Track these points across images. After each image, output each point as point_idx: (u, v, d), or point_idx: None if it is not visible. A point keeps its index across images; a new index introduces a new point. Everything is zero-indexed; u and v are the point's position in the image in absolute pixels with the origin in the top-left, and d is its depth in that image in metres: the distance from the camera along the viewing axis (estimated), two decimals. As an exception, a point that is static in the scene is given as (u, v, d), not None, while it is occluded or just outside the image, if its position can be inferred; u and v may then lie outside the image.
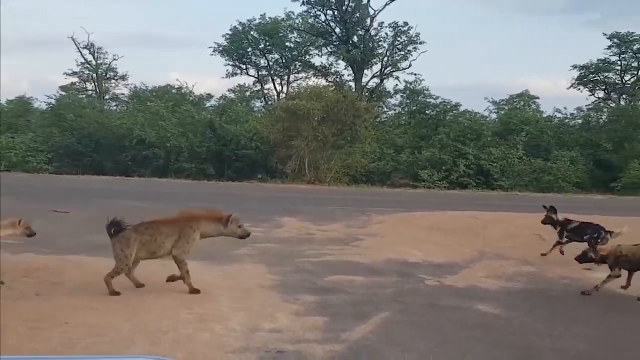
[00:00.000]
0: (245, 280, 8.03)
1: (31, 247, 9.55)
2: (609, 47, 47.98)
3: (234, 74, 52.28)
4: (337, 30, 47.97)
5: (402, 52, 48.12)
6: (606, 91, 50.39)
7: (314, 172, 33.38)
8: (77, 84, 55.00)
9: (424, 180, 34.31)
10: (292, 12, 49.81)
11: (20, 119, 41.62)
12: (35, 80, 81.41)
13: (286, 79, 52.64)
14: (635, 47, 47.70)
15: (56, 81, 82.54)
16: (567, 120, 45.28)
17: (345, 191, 28.75)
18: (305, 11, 48.20)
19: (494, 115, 49.02)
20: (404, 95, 48.16)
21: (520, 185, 34.16)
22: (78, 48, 52.32)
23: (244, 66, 52.22)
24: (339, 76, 49.78)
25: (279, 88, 52.95)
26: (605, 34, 48.17)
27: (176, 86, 49.22)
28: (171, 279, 7.76)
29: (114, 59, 53.92)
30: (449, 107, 44.16)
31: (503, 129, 39.97)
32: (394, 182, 35.24)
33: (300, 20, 49.76)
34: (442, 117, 43.06)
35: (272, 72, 52.29)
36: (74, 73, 54.07)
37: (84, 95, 53.03)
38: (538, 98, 53.00)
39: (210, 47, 51.05)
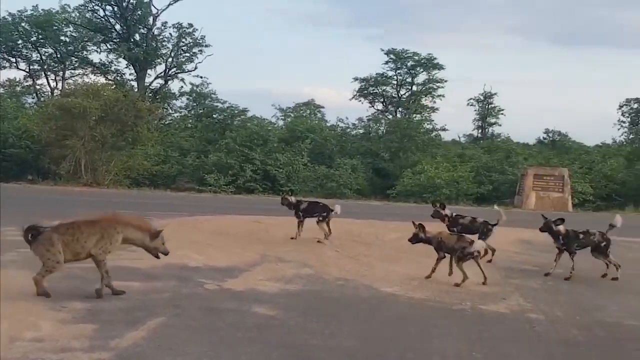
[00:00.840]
0: (8, 287, 7.29)
1: None
2: (387, 62, 51.49)
3: (2, 67, 48.60)
4: (118, 27, 46.46)
5: (188, 54, 47.85)
6: (384, 103, 54.01)
7: (91, 174, 31.76)
8: None
9: (210, 184, 34.17)
10: (68, 5, 47.61)
11: None
12: None
13: (61, 75, 49.80)
14: (409, 64, 51.59)
15: None
16: (349, 130, 47.92)
17: (126, 194, 27.64)
18: (82, 5, 46.22)
19: (281, 122, 50.49)
20: (190, 97, 47.83)
21: (305, 190, 35.26)
22: None
23: (13, 59, 48.57)
24: (119, 74, 48.25)
25: (53, 84, 50.07)
26: (382, 50, 51.63)
27: None
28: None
29: None
30: (236, 112, 44.60)
31: (289, 136, 41.14)
32: (179, 186, 34.77)
33: (77, 14, 47.33)
34: (230, 121, 43.37)
35: (45, 67, 49.16)
36: None
37: None
38: (323, 107, 55.65)
39: (-25, 38, 46.68)
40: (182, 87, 48.00)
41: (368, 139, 45.60)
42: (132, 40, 45.93)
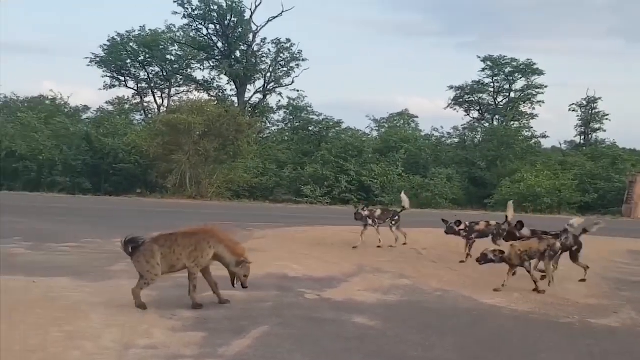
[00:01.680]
0: (121, 296, 7.75)
1: None
2: (483, 70, 50.60)
3: (112, 86, 51.04)
4: (220, 44, 47.83)
5: (285, 69, 48.69)
6: (480, 112, 53.01)
7: (195, 187, 32.96)
8: (-59, 92, 51.63)
9: (307, 195, 34.68)
10: (174, 25, 49.38)
11: None
12: None
13: (167, 93, 51.91)
14: (507, 70, 50.48)
15: None
16: (444, 139, 47.43)
17: (227, 206, 28.51)
18: (187, 24, 47.89)
19: (375, 133, 50.56)
20: (287, 111, 48.68)
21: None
22: (-57, 55, 49.27)
23: (122, 78, 51.02)
24: (221, 91, 49.69)
25: (159, 101, 52.22)
26: (479, 57, 50.76)
27: (50, 97, 47.25)
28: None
29: (-17, 68, 51.23)
30: (331, 124, 45.07)
31: (384, 147, 41.16)
32: (277, 198, 35.39)
33: (182, 34, 49.25)
34: (325, 133, 43.87)
35: (152, 85, 51.36)
36: (-61, 81, 50.79)
37: (-52, 105, 49.89)
38: (417, 117, 55.33)
39: (87, 58, 49.45)
40: (279, 101, 49.02)
41: (464, 148, 44.98)
42: (233, 57, 47.29)
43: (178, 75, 51.46)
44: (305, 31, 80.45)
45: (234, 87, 48.27)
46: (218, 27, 47.17)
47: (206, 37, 48.18)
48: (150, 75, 51.23)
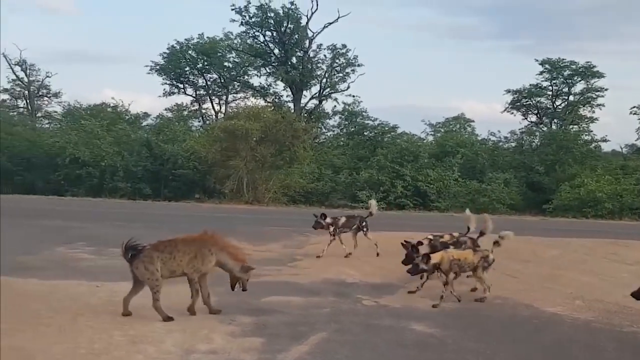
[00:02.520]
0: (181, 301, 7.89)
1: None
2: (541, 73, 49.58)
3: (171, 93, 51.89)
4: (276, 51, 48.17)
5: (341, 74, 48.60)
6: (538, 115, 51.91)
7: (252, 192, 33.25)
8: (8, 101, 53.67)
9: (362, 201, 34.49)
10: (231, 32, 49.85)
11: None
12: (-36, 96, 78.96)
13: (224, 99, 52.54)
14: (565, 73, 49.37)
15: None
16: (501, 143, 46.52)
17: (284, 211, 28.69)
18: (244, 32, 48.30)
19: (430, 138, 50.09)
20: (343, 116, 48.60)
21: (456, 206, 34.69)
22: (9, 64, 51.10)
23: (181, 85, 51.85)
24: (277, 97, 49.91)
25: (217, 108, 52.84)
26: (537, 60, 49.78)
27: (112, 104, 48.36)
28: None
29: (47, 76, 52.92)
30: (386, 128, 44.84)
31: (439, 151, 40.74)
32: (333, 203, 35.37)
33: (239, 41, 49.76)
34: (380, 138, 43.67)
35: (210, 91, 52.09)
36: (5, 90, 52.74)
37: (15, 113, 51.74)
38: (473, 121, 54.61)
39: (147, 66, 50.49)
40: (335, 106, 48.93)
41: (521, 152, 44.08)
42: (289, 63, 47.55)
43: (235, 82, 52.05)
44: (361, 36, 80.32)
45: (290, 93, 48.53)
46: (275, 34, 47.52)
47: (263, 44, 48.59)
48: (208, 82, 51.97)
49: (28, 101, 53.48)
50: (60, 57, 77.41)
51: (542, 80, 50.15)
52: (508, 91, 50.95)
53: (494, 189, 36.00)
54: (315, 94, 48.87)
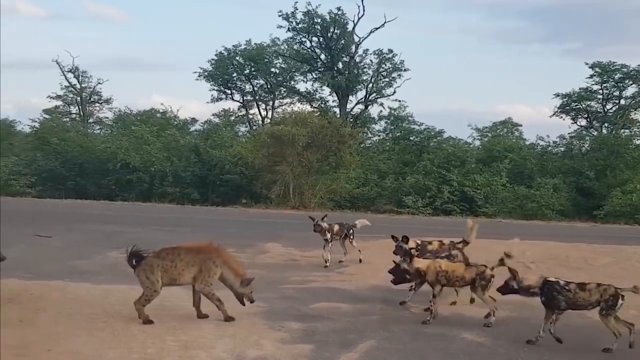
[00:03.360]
0: (231, 307, 7.98)
1: (14, 272, 9.47)
2: (591, 76, 48.59)
3: (219, 99, 52.54)
4: (322, 56, 48.34)
5: (387, 79, 48.54)
6: (588, 119, 50.90)
7: (298, 198, 33.42)
8: (61, 107, 55.08)
9: (409, 206, 34.40)
10: (278, 38, 50.29)
11: (3, 142, 41.19)
12: (19, 103, 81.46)
13: (271, 105, 53.00)
14: (617, 77, 48.30)
15: (40, 104, 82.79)
16: (549, 148, 45.74)
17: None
18: (291, 37, 48.65)
19: (477, 142, 49.55)
20: (388, 121, 48.52)
21: (504, 212, 34.27)
22: (62, 71, 52.46)
23: (229, 91, 52.44)
24: (323, 102, 50.10)
25: (263, 113, 53.32)
26: (587, 63, 48.82)
27: (161, 110, 49.28)
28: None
29: (99, 83, 54.21)
30: (432, 133, 44.56)
31: (487, 156, 40.26)
32: (378, 208, 35.27)
33: (286, 47, 50.12)
34: (426, 143, 43.42)
35: (257, 97, 52.56)
36: (58, 96, 54.20)
37: (67, 119, 53.08)
38: (521, 125, 53.86)
39: (195, 72, 51.24)
40: (381, 111, 48.91)
41: (571, 157, 43.22)
42: (335, 68, 47.68)
43: (282, 88, 52.43)
44: (407, 41, 79.91)
45: (336, 98, 48.62)
46: (321, 39, 47.70)
47: (309, 50, 48.82)
48: (255, 88, 52.44)
49: (80, 107, 54.80)
50: (111, 64, 79.33)
51: (592, 84, 49.18)
52: (557, 95, 50.12)
53: (543, 195, 35.41)
54: (361, 99, 48.91)
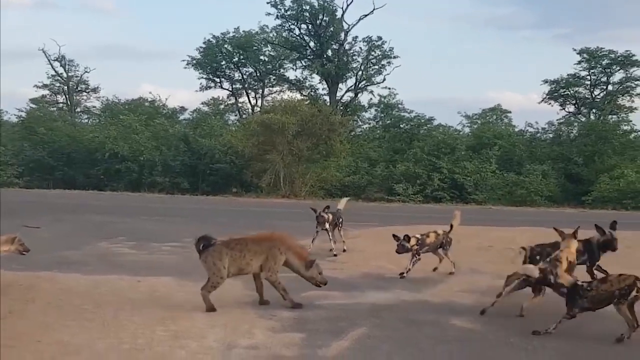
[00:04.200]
0: (222, 296, 7.95)
1: (2, 263, 9.39)
2: (579, 62, 48.76)
3: (207, 87, 52.31)
4: (312, 44, 48.20)
5: (377, 67, 48.53)
6: (577, 106, 51.08)
7: (289, 186, 33.42)
8: (48, 96, 54.67)
9: (399, 194, 34.49)
10: (267, 26, 50.08)
11: (-10, 133, 40.96)
12: (5, 92, 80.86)
13: (260, 93, 52.79)
14: (604, 63, 48.44)
15: (27, 94, 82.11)
16: (538, 135, 45.92)
17: (320, 205, 28.63)
18: (280, 25, 48.48)
19: (467, 130, 49.63)
20: (379, 109, 48.48)
21: (493, 199, 34.43)
22: (49, 60, 52.08)
23: (218, 79, 52.20)
24: (313, 90, 50.02)
25: (253, 102, 53.14)
26: (575, 49, 48.92)
27: (149, 99, 49.06)
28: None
29: (86, 72, 53.85)
30: (422, 121, 44.62)
31: (476, 143, 40.40)
32: (369, 196, 35.33)
33: (275, 34, 49.94)
34: (417, 131, 43.48)
35: (246, 85, 52.36)
36: (45, 86, 53.77)
37: (55, 108, 52.76)
38: (510, 112, 53.95)
39: (183, 60, 50.98)
40: (371, 99, 48.87)
41: (559, 144, 43.40)
42: (325, 56, 47.57)
43: (271, 76, 52.25)
44: (396, 28, 79.77)
45: (325, 86, 48.56)
46: (310, 26, 47.54)
47: (298, 37, 48.65)
48: (244, 76, 52.22)
49: (67, 96, 54.43)
50: (98, 53, 78.58)
51: (580, 70, 49.36)
52: (545, 81, 50.25)
53: (532, 181, 35.62)
54: (351, 86, 48.86)
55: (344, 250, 12.78)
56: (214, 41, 50.20)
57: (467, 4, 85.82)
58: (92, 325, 6.82)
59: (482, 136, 41.57)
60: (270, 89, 53.31)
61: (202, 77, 51.67)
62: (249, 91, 53.04)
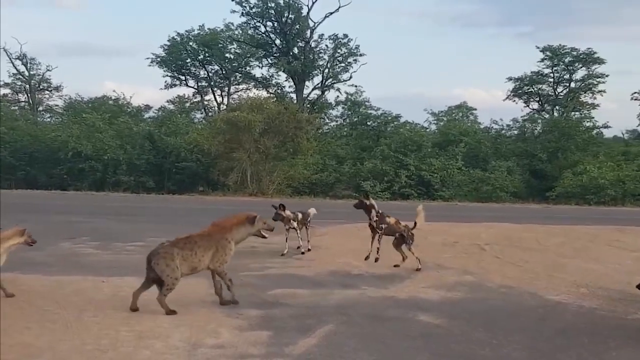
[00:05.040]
0: (187, 295, 7.89)
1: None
2: (542, 60, 49.52)
3: (173, 85, 51.97)
4: (278, 41, 48.13)
5: (343, 64, 48.66)
6: (540, 103, 51.92)
7: (256, 184, 33.32)
8: (9, 95, 53.82)
9: (367, 191, 34.55)
10: (232, 23, 49.95)
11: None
12: (-34, 91, 78.90)
13: (227, 91, 52.55)
14: (567, 60, 49.26)
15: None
16: (503, 131, 46.61)
17: (288, 203, 28.61)
18: (245, 22, 48.37)
19: (433, 127, 50.09)
20: (345, 106, 48.62)
21: (460, 195, 34.78)
22: (10, 59, 51.13)
23: (183, 77, 51.88)
24: (280, 88, 50.00)
25: (219, 99, 52.92)
26: (538, 47, 49.71)
27: (113, 97, 48.47)
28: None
29: (48, 70, 53.05)
30: (389, 118, 44.89)
31: (443, 140, 40.78)
32: (337, 194, 35.41)
33: (240, 32, 49.79)
34: (384, 128, 43.74)
35: (212, 83, 52.08)
36: (6, 84, 52.98)
37: (16, 107, 51.86)
38: (476, 109, 54.67)
39: (148, 58, 50.53)
40: (337, 96, 49.03)
41: (524, 140, 44.07)
42: (291, 54, 47.54)
43: (237, 73, 52.07)
44: (362, 25, 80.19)
45: (292, 83, 48.56)
46: (276, 24, 47.47)
47: (264, 35, 48.55)
48: (210, 74, 51.97)
49: (29, 95, 53.56)
50: (61, 51, 77.52)
51: (544, 68, 50.24)
52: (510, 79, 51.00)
53: (497, 177, 36.09)
54: (318, 84, 48.97)
55: (309, 250, 12.70)
56: (179, 39, 49.85)
57: (431, 1, 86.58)
58: (55, 326, 6.70)
59: (448, 133, 41.98)
60: (237, 86, 53.22)
61: (167, 75, 51.42)
62: (215, 89, 52.81)
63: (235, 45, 50.97)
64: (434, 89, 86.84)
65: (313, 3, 46.06)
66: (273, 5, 46.47)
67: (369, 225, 10.86)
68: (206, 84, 52.45)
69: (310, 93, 49.12)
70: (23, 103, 54.02)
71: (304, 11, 46.66)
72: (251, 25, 48.51)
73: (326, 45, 48.41)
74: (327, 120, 49.94)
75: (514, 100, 51.68)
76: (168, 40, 49.89)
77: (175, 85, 52.13)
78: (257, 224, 7.97)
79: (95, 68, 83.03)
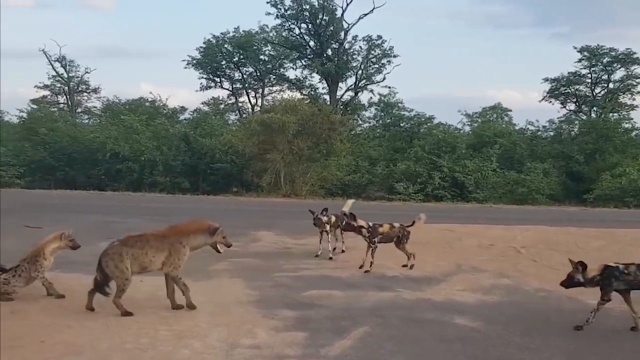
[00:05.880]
0: (223, 295, 7.96)
1: (4, 264, 9.39)
2: (580, 60, 48.78)
3: (208, 87, 52.37)
4: (312, 43, 48.20)
5: (376, 66, 48.55)
6: (577, 104, 51.09)
7: (289, 185, 33.40)
8: (49, 97, 54.79)
9: (400, 192, 34.46)
10: (266, 26, 50.13)
11: (-9, 133, 40.86)
12: (6, 93, 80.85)
13: (261, 92, 52.82)
14: (605, 61, 48.43)
15: (27, 94, 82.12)
16: (539, 133, 45.94)
17: (321, 204, 28.64)
18: (280, 24, 48.52)
19: (467, 128, 49.69)
20: (379, 108, 48.51)
21: (494, 197, 34.42)
22: (49, 61, 52.14)
23: (218, 79, 52.26)
24: (313, 89, 50.03)
25: (253, 101, 53.19)
26: (575, 48, 48.96)
27: (150, 99, 49.09)
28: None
29: (86, 72, 53.92)
30: (423, 119, 44.63)
31: (477, 142, 40.38)
32: (370, 195, 35.32)
33: (275, 34, 49.98)
34: (417, 129, 43.50)
35: (246, 85, 52.40)
36: (46, 86, 53.87)
37: (55, 109, 52.79)
38: (510, 110, 54.11)
39: (184, 60, 51.00)
40: (371, 98, 48.93)
41: (560, 142, 43.43)
42: (325, 55, 47.59)
43: (271, 75, 52.28)
44: (396, 27, 79.77)
45: (325, 85, 48.59)
46: (310, 26, 47.54)
47: (298, 37, 48.65)
48: (245, 76, 52.28)
49: (68, 97, 54.50)
50: (99, 53, 78.53)
51: (581, 68, 49.42)
52: (546, 79, 50.29)
53: (533, 179, 35.63)
54: (351, 85, 48.90)
55: (343, 251, 12.69)
56: (214, 41, 50.23)
57: (466, 2, 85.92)
58: (95, 325, 6.82)
59: (482, 135, 41.56)
60: (270, 88, 53.42)
61: (203, 77, 51.82)
62: (249, 91, 53.12)
63: (269, 47, 51.22)
64: (468, 91, 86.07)
65: (347, 5, 46.11)
66: (307, 7, 46.59)
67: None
68: (240, 86, 52.79)
69: (343, 94, 49.14)
70: (62, 105, 54.97)
71: (338, 13, 46.75)
72: (285, 27, 48.68)
73: (360, 47, 48.43)
74: (360, 122, 49.88)
75: (550, 102, 51.00)
76: (203, 43, 50.40)
77: (210, 87, 52.61)
78: (216, 236, 7.71)
79: (132, 70, 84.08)
